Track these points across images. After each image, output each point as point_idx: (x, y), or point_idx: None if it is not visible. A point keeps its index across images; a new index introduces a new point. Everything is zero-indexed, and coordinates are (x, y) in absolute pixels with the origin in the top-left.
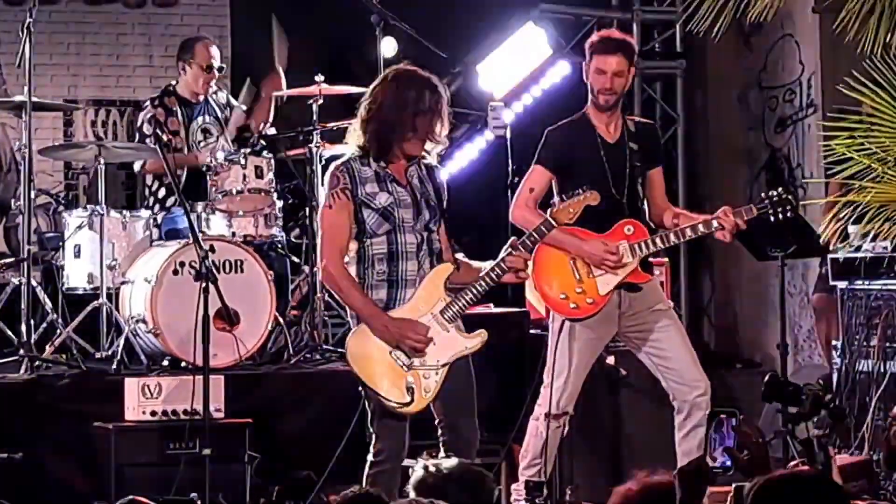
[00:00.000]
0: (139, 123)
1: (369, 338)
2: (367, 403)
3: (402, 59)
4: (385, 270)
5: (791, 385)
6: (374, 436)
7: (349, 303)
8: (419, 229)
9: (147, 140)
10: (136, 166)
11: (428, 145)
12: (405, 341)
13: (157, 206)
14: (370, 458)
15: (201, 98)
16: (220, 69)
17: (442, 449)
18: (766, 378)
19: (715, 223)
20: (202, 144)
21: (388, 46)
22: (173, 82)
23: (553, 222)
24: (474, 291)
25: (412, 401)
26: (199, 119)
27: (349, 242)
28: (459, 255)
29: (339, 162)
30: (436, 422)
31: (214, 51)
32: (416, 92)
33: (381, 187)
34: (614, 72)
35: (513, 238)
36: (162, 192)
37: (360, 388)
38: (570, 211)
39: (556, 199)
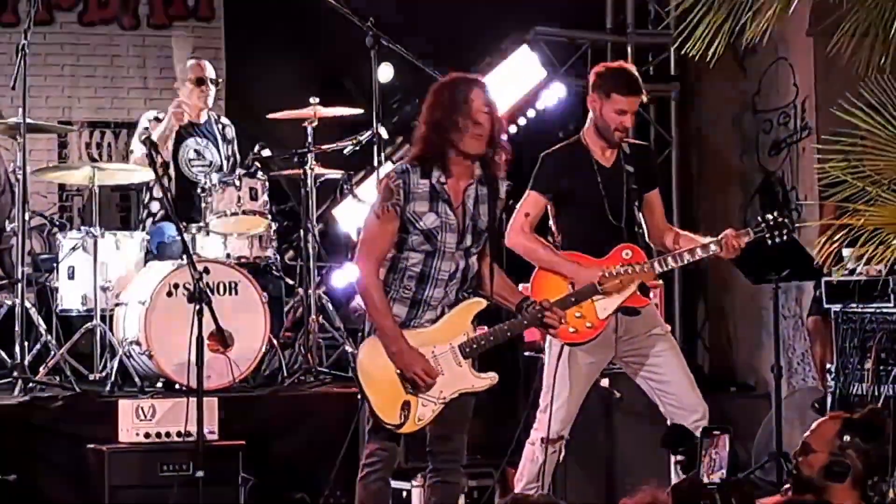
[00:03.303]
0: (133, 140)
1: (381, 351)
2: (365, 408)
3: (399, 84)
4: (412, 289)
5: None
6: (367, 437)
7: (374, 317)
8: (459, 256)
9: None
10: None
11: (476, 142)
12: (411, 374)
13: (149, 221)
14: (363, 461)
15: (202, 119)
16: (214, 82)
17: (429, 459)
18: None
19: (713, 247)
20: (193, 163)
21: (384, 72)
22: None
23: (598, 288)
24: (497, 335)
25: (403, 423)
26: (193, 140)
27: (388, 254)
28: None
29: (397, 170)
30: (427, 434)
31: (206, 65)
32: (452, 91)
33: (432, 207)
34: (633, 112)
35: (545, 300)
36: (156, 207)
37: (359, 396)
38: (618, 281)
39: (551, 223)
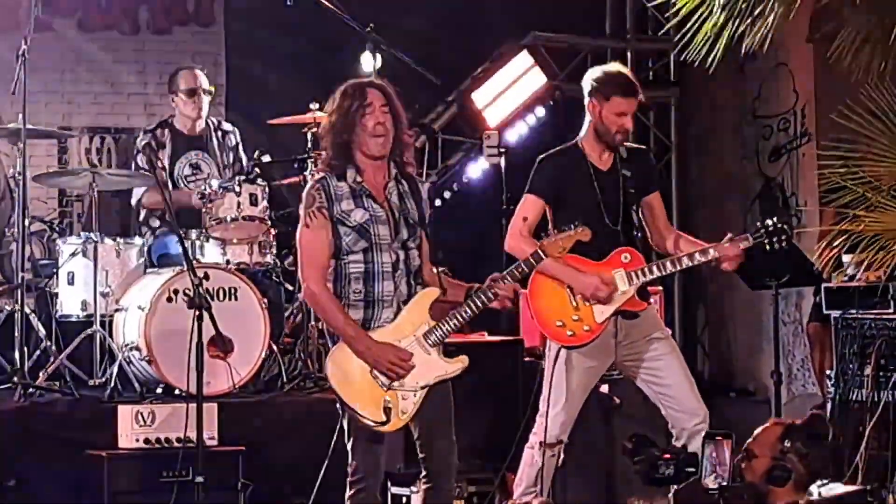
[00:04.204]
0: (134, 153)
1: (350, 355)
2: (344, 421)
3: (392, 75)
4: (361, 290)
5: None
6: (350, 454)
7: (332, 323)
8: (396, 247)
9: (141, 168)
10: (133, 200)
11: (377, 143)
12: (386, 365)
13: (149, 234)
14: (349, 478)
15: (198, 129)
16: (208, 92)
17: (421, 467)
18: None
19: (712, 251)
20: (189, 179)
21: (368, 61)
22: (171, 116)
23: (542, 254)
24: (459, 317)
25: (388, 421)
26: (191, 154)
27: (329, 260)
28: (440, 270)
29: (314, 179)
30: (414, 438)
31: (198, 74)
32: (349, 95)
33: (357, 203)
34: (633, 112)
35: (494, 273)
36: (156, 223)
37: (338, 405)
38: (559, 245)
39: (550, 227)
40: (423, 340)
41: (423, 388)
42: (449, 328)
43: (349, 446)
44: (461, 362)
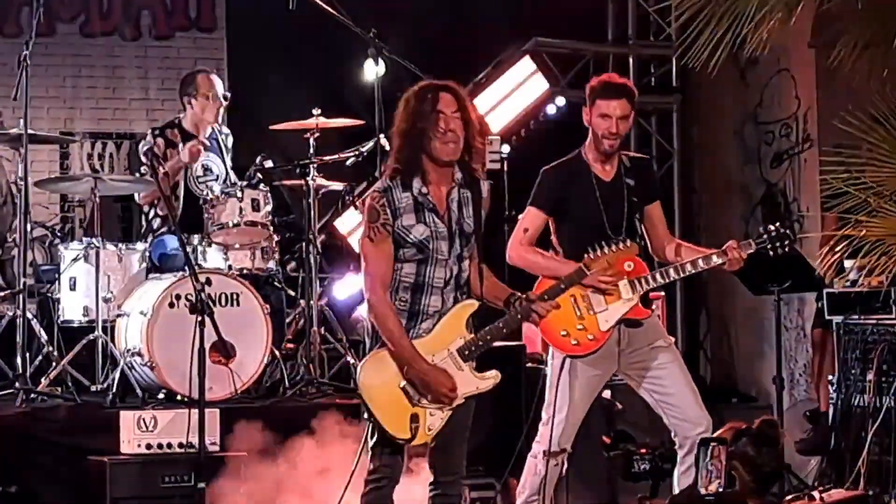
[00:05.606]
0: (138, 153)
1: (384, 367)
2: (368, 423)
3: (400, 95)
4: (408, 300)
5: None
6: (370, 452)
7: (390, 339)
8: (452, 263)
9: (143, 169)
10: (137, 197)
11: (447, 149)
12: (436, 393)
13: (150, 236)
14: (366, 476)
15: (208, 131)
16: (225, 97)
17: (430, 471)
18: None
19: (716, 258)
20: (201, 180)
21: (370, 67)
22: (180, 115)
23: (586, 270)
24: (494, 334)
25: (413, 437)
26: (203, 154)
27: (391, 270)
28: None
29: (377, 190)
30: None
31: (216, 80)
32: (419, 99)
33: (419, 218)
34: (619, 116)
35: (529, 293)
36: (157, 223)
37: (364, 414)
38: (604, 262)
39: (553, 238)
40: (457, 354)
41: (451, 406)
42: (483, 343)
43: (371, 444)
44: (493, 378)
